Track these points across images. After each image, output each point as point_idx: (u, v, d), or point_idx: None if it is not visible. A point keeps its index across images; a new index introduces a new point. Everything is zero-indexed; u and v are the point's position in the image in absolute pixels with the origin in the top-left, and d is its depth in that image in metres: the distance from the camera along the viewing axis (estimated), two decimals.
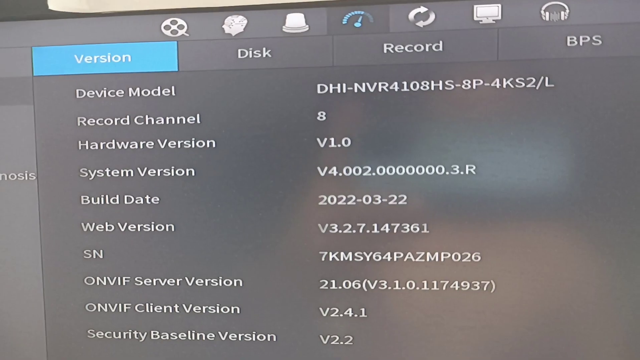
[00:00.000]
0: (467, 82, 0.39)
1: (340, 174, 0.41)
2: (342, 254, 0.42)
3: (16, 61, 0.43)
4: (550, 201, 0.40)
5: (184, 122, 0.42)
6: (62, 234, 0.44)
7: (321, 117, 0.41)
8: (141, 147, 0.43)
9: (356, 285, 0.42)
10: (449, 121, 0.40)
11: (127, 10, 0.42)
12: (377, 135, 0.40)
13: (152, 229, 0.43)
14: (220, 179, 0.42)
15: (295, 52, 0.41)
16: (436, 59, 0.40)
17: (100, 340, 0.45)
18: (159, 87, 0.42)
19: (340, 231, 0.41)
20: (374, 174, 0.41)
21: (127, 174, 0.43)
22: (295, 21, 0.41)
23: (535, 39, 0.39)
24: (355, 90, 0.40)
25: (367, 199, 0.41)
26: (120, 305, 0.44)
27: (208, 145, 0.42)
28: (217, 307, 0.43)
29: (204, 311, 0.43)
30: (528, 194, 0.40)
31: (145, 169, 0.43)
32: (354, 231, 0.41)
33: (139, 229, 0.43)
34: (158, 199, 0.43)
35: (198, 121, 0.42)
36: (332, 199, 0.41)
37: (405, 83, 0.40)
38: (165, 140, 0.42)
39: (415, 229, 0.41)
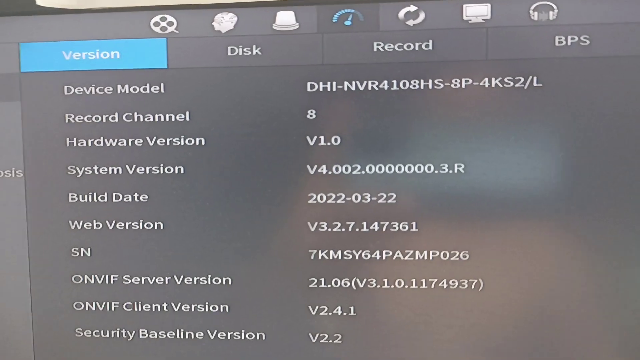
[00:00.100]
0: (456, 81, 0.40)
1: (330, 172, 0.41)
2: (331, 252, 0.42)
3: (3, 57, 0.43)
4: (538, 200, 0.40)
5: (173, 119, 0.42)
6: (50, 231, 0.44)
7: (311, 115, 0.41)
8: (130, 144, 0.43)
9: (345, 284, 0.42)
10: (439, 120, 0.40)
11: (116, 7, 0.42)
12: (366, 133, 0.41)
13: (141, 227, 0.43)
14: (209, 177, 0.42)
15: (285, 50, 0.41)
16: (426, 57, 0.40)
17: (88, 339, 0.45)
18: (148, 84, 0.42)
19: (329, 229, 0.42)
20: (363, 172, 0.41)
21: (115, 172, 0.43)
22: (286, 19, 0.41)
23: (524, 38, 0.40)
24: (345, 89, 0.41)
25: (356, 198, 0.41)
26: (108, 303, 0.44)
27: (197, 143, 0.42)
28: (206, 306, 0.44)
29: (192, 310, 0.44)
30: (516, 193, 0.40)
31: (134, 166, 0.43)
32: (344, 229, 0.42)
33: (127, 227, 0.43)
34: (147, 197, 0.43)
35: (187, 119, 0.42)
36: (321, 198, 0.42)
37: (395, 82, 0.40)
38: (154, 138, 0.43)
39: (404, 228, 0.41)
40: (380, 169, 0.41)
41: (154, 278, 0.44)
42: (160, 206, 0.43)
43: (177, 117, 0.42)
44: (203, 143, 0.42)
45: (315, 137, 0.41)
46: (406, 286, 0.42)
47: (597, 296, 0.41)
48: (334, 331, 0.43)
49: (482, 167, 0.40)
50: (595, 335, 0.41)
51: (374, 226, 0.41)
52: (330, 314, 0.43)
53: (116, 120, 0.43)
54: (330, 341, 0.43)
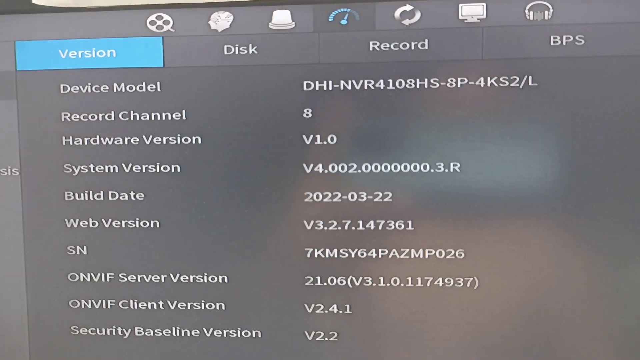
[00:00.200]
0: (452, 80, 0.40)
1: (326, 171, 0.42)
2: (327, 250, 0.42)
3: None
4: (533, 199, 0.41)
5: (169, 118, 0.43)
6: (46, 230, 0.44)
7: (307, 114, 0.41)
8: (126, 143, 0.43)
9: (341, 282, 0.43)
10: (434, 119, 0.41)
11: (112, 5, 0.42)
12: (362, 132, 0.41)
13: (137, 225, 0.44)
14: (205, 176, 0.43)
15: (281, 49, 0.41)
16: (422, 57, 0.41)
17: (84, 336, 0.45)
18: (144, 83, 0.43)
19: (325, 228, 0.42)
20: (359, 171, 0.41)
21: (111, 170, 0.43)
22: (282, 18, 0.41)
23: (519, 38, 0.40)
24: (342, 88, 0.41)
25: (352, 196, 0.42)
26: (104, 301, 0.45)
27: (194, 142, 0.42)
28: (202, 304, 0.44)
29: (188, 308, 0.44)
30: (512, 192, 0.41)
31: (130, 165, 0.43)
32: (340, 228, 0.42)
33: (123, 225, 0.44)
34: (143, 195, 0.43)
35: (184, 117, 0.42)
36: (317, 196, 0.42)
37: (391, 81, 0.41)
38: (151, 136, 0.43)
39: (400, 226, 0.42)
40: (376, 167, 0.41)
41: (150, 276, 0.44)
42: (157, 204, 0.43)
43: (174, 116, 0.42)
44: (199, 142, 0.42)
45: (311, 136, 0.42)
46: (402, 284, 0.42)
47: (592, 294, 0.42)
48: (329, 329, 0.43)
49: (478, 166, 0.41)
50: (590, 333, 0.42)
51: (370, 225, 0.42)
52: (326, 312, 0.43)
53: (112, 118, 0.43)
54: (326, 339, 0.43)
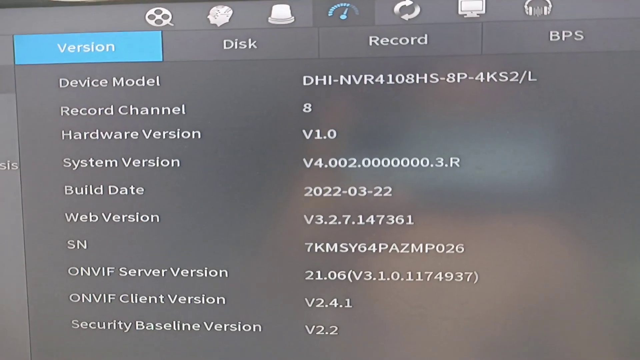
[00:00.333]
0: (451, 75, 0.41)
1: (326, 166, 0.42)
2: (327, 245, 0.43)
3: None
4: (533, 194, 0.41)
5: (168, 112, 0.43)
6: (46, 224, 0.45)
7: (307, 109, 0.42)
8: (125, 137, 0.43)
9: (341, 276, 0.43)
10: (434, 114, 0.41)
11: None
12: (362, 127, 0.42)
13: (137, 220, 0.44)
14: (205, 170, 0.43)
15: (280, 44, 0.42)
16: (421, 52, 0.41)
17: (85, 330, 0.46)
18: (143, 77, 0.43)
19: (325, 222, 0.43)
20: (359, 166, 0.42)
21: (111, 164, 0.44)
22: (281, 12, 0.42)
23: (518, 33, 0.40)
24: (341, 83, 0.41)
25: (352, 191, 0.42)
26: (104, 295, 0.45)
27: (193, 136, 0.43)
28: (203, 298, 0.44)
29: (189, 302, 0.45)
30: (511, 187, 0.41)
31: (130, 159, 0.44)
32: (340, 223, 0.43)
33: (123, 220, 0.44)
34: (143, 190, 0.44)
35: (183, 112, 0.43)
36: (317, 191, 0.42)
37: (390, 76, 0.41)
38: (150, 131, 0.43)
39: (400, 221, 0.42)
40: (376, 162, 0.42)
41: (150, 270, 0.45)
42: (157, 199, 0.44)
43: (173, 110, 0.43)
44: (199, 136, 0.43)
45: (311, 131, 0.42)
46: (402, 279, 0.43)
47: (592, 288, 0.42)
48: (330, 323, 0.44)
49: (478, 161, 0.41)
50: (590, 328, 0.43)
51: (370, 219, 0.42)
52: (326, 306, 0.44)
53: (112, 113, 0.43)
54: (327, 333, 0.44)
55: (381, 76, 0.41)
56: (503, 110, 0.41)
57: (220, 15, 0.42)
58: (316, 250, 0.43)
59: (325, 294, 0.44)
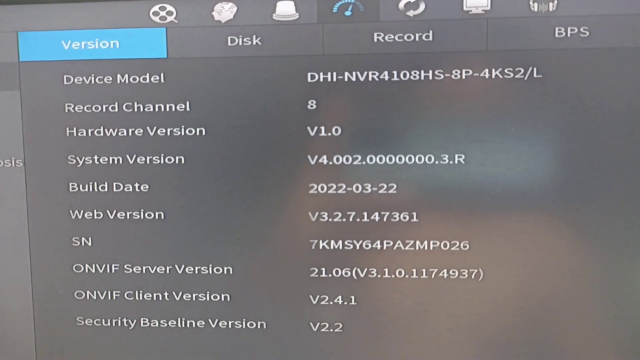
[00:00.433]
0: (456, 72, 0.41)
1: (331, 163, 0.42)
2: (332, 242, 0.43)
3: (2, 46, 0.44)
4: (538, 191, 0.41)
5: (173, 109, 0.43)
6: (50, 221, 0.45)
7: (311, 106, 0.42)
8: (130, 134, 0.44)
9: (346, 273, 0.43)
10: (439, 111, 0.41)
11: None
12: (367, 124, 0.42)
13: (142, 217, 0.44)
14: (210, 167, 0.43)
15: (285, 40, 0.42)
16: (426, 48, 0.41)
17: (89, 327, 0.46)
18: (147, 74, 0.43)
19: (330, 220, 0.43)
20: (364, 162, 0.42)
21: (116, 161, 0.44)
22: (286, 9, 0.42)
23: (523, 29, 0.40)
24: (346, 79, 0.42)
25: (357, 188, 0.42)
26: (109, 292, 0.46)
27: (198, 133, 0.43)
28: (207, 295, 0.45)
29: (194, 299, 0.45)
30: (516, 184, 0.41)
31: (135, 156, 0.44)
32: (344, 220, 0.43)
33: (128, 217, 0.45)
34: (147, 187, 0.44)
35: (188, 109, 0.43)
36: (322, 188, 0.43)
37: (395, 72, 0.41)
38: (155, 128, 0.44)
39: (404, 218, 0.42)
40: (380, 159, 0.42)
41: (155, 267, 0.45)
42: (161, 196, 0.44)
43: (177, 107, 0.43)
44: (204, 133, 0.43)
45: (316, 128, 0.42)
46: (406, 276, 0.43)
47: (596, 286, 0.42)
48: (334, 320, 0.44)
49: (483, 158, 0.41)
50: (595, 326, 0.43)
51: (375, 216, 0.43)
52: (331, 303, 0.44)
53: (116, 110, 0.44)
54: (331, 330, 0.44)
55: (386, 73, 0.42)
56: (508, 107, 0.41)
57: (224, 11, 0.43)
58: (321, 247, 0.43)
59: (330, 291, 0.44)
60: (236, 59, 0.43)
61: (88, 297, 0.46)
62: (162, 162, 0.44)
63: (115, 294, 0.46)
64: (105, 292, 0.46)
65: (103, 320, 0.46)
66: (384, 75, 0.42)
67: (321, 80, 0.42)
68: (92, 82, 0.44)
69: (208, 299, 0.45)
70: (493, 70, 0.41)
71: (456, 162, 0.42)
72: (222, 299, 0.45)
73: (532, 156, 0.41)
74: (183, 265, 0.45)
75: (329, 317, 0.44)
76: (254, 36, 0.42)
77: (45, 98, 0.44)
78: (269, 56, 0.42)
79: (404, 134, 0.42)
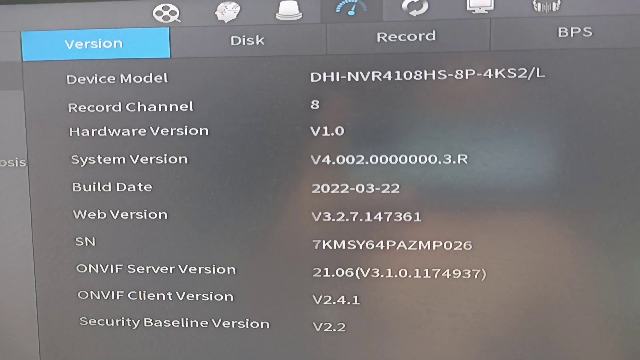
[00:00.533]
0: (459, 72, 0.41)
1: (334, 163, 0.43)
2: (335, 242, 0.44)
3: (5, 46, 0.44)
4: (540, 190, 0.42)
5: (176, 109, 0.43)
6: (54, 221, 0.46)
7: (314, 106, 0.42)
8: (133, 134, 0.44)
9: (349, 274, 0.44)
10: (442, 111, 0.42)
11: None
12: (370, 124, 0.42)
13: (145, 217, 0.45)
14: (213, 167, 0.44)
15: (288, 40, 0.42)
16: (429, 48, 0.41)
17: (93, 327, 0.47)
18: (150, 74, 0.44)
19: (333, 220, 0.43)
20: (367, 163, 0.42)
21: (119, 162, 0.44)
22: (289, 9, 0.42)
23: (527, 29, 0.41)
24: (349, 79, 0.42)
25: (360, 188, 0.43)
26: (112, 292, 0.46)
27: (201, 133, 0.43)
28: (211, 295, 0.45)
29: (197, 299, 0.45)
30: (519, 184, 0.41)
31: (138, 156, 0.44)
32: (347, 220, 0.43)
33: (131, 217, 0.45)
34: (151, 187, 0.44)
35: (191, 108, 0.43)
36: (325, 188, 0.43)
37: (398, 72, 0.42)
38: (158, 128, 0.44)
39: (407, 218, 0.43)
40: (383, 159, 0.42)
41: (158, 267, 0.45)
42: (164, 196, 0.44)
43: (181, 107, 0.43)
44: (207, 133, 0.43)
45: (319, 128, 0.43)
46: (409, 276, 0.43)
47: (599, 285, 0.42)
48: (337, 320, 0.45)
49: (485, 158, 0.42)
50: (599, 324, 0.43)
51: (378, 216, 0.43)
52: (334, 303, 0.44)
53: (119, 110, 0.44)
54: (334, 330, 0.45)
55: (389, 73, 0.42)
56: (511, 107, 0.41)
57: (227, 11, 0.43)
58: (324, 248, 0.44)
59: (333, 291, 0.44)
60: (239, 58, 0.43)
61: (91, 297, 0.47)
62: (165, 162, 0.44)
63: (119, 294, 0.46)
64: (108, 292, 0.46)
65: (106, 320, 0.47)
66: (387, 75, 0.42)
67: (324, 80, 0.42)
68: (95, 82, 0.44)
69: (211, 299, 0.45)
70: (496, 70, 0.41)
71: (459, 162, 0.42)
72: (225, 299, 0.45)
73: (535, 156, 0.42)
74: (186, 266, 0.45)
75: (332, 317, 0.45)
76: (257, 36, 0.43)
77: (48, 98, 0.45)
78: (272, 56, 0.43)
79: (406, 134, 0.42)
